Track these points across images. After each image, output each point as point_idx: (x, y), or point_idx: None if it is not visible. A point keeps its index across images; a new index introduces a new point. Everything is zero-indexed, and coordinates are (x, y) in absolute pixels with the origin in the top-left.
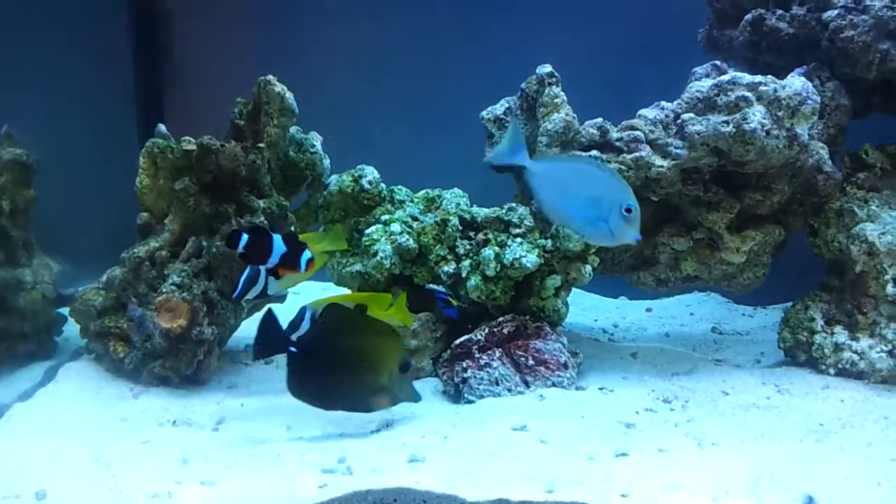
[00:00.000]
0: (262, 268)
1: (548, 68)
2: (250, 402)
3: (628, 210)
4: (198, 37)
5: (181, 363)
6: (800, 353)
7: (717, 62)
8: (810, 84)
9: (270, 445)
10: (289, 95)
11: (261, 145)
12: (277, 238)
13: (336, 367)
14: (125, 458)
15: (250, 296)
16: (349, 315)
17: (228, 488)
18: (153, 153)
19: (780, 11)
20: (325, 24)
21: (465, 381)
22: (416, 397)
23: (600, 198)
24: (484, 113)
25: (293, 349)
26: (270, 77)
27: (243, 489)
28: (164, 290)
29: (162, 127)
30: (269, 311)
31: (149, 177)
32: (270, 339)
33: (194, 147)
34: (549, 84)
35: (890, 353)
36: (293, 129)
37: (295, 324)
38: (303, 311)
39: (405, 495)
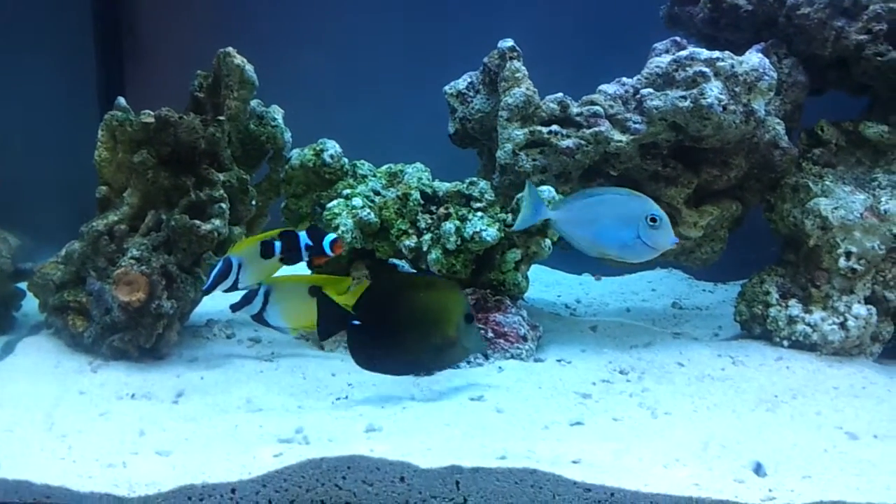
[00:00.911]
0: (235, 261)
1: (509, 42)
2: (210, 375)
3: (653, 219)
4: (160, 10)
5: (140, 337)
6: (755, 326)
7: (678, 38)
8: (767, 60)
9: (229, 417)
10: (248, 68)
11: (221, 118)
12: (302, 234)
13: (402, 330)
14: (81, 430)
15: (221, 289)
16: (402, 277)
17: (184, 458)
18: (112, 126)
19: None
20: (286, 3)
21: None
22: (483, 347)
23: (624, 218)
24: (447, 88)
25: (355, 322)
26: (230, 49)
27: (198, 459)
28: (122, 263)
29: (121, 100)
30: (322, 290)
31: (107, 150)
32: (331, 316)
33: (152, 119)
34: (511, 58)
35: (842, 325)
36: (254, 103)
37: (249, 298)
38: (257, 287)
39: (359, 463)
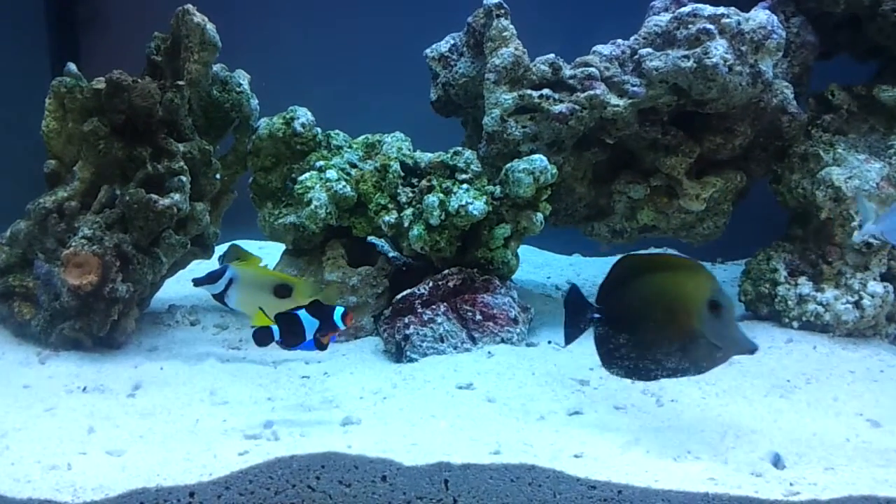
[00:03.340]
0: (229, 273)
1: None
2: (171, 365)
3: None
4: None
5: (93, 324)
6: (762, 306)
7: None
8: (776, 17)
9: (190, 411)
10: (210, 27)
11: (180, 83)
12: (304, 314)
13: (636, 323)
14: (22, 428)
15: (208, 290)
16: (642, 257)
17: (137, 458)
18: (60, 93)
19: None
20: None
21: (407, 338)
22: (748, 345)
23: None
24: (428, 51)
25: (597, 315)
26: (189, 7)
27: (154, 459)
28: (72, 243)
29: (71, 65)
30: (574, 286)
31: (56, 120)
32: (576, 312)
33: (104, 85)
34: (498, 16)
35: (856, 304)
36: (217, 67)
37: (214, 276)
38: (224, 268)
39: (334, 461)
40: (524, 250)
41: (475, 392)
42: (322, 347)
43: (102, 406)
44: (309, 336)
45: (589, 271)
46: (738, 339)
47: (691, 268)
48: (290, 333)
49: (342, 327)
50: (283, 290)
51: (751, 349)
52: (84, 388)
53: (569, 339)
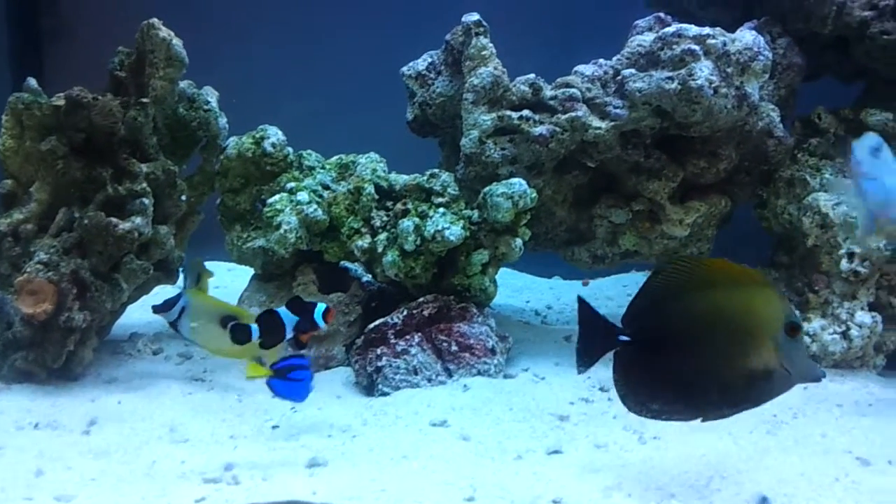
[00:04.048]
0: (182, 301)
1: (475, 16)
2: (130, 398)
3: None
4: None
5: (48, 355)
6: None
7: (661, 14)
8: (762, 38)
9: (147, 450)
10: (176, 42)
11: (144, 100)
12: (283, 311)
13: (689, 350)
14: None
15: (167, 318)
16: (690, 266)
17: None
18: (17, 110)
19: None
20: None
21: (379, 370)
22: (818, 373)
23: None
24: (404, 69)
25: (624, 338)
26: (154, 21)
27: None
28: (27, 269)
29: (31, 81)
30: (582, 300)
31: (13, 138)
32: (594, 332)
33: (63, 102)
34: (477, 34)
35: (844, 334)
36: (184, 84)
37: (169, 304)
38: (178, 296)
39: None
40: (502, 273)
41: (449, 429)
42: (301, 346)
43: (54, 445)
44: (289, 333)
45: (569, 295)
46: (808, 365)
47: (759, 282)
48: (270, 331)
49: (322, 326)
50: (229, 321)
51: (818, 377)
52: (36, 425)
53: (583, 366)
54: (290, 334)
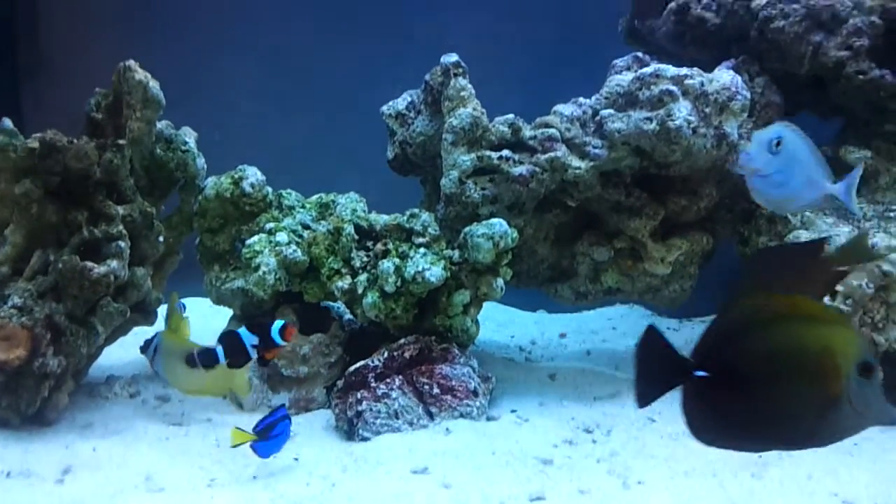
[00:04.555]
0: (155, 339)
1: (454, 57)
2: (105, 445)
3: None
4: (67, 24)
5: (21, 401)
6: None
7: (639, 54)
8: (739, 78)
9: (122, 500)
10: (153, 84)
11: (120, 142)
12: (244, 331)
13: (759, 384)
14: None
15: (147, 357)
16: (763, 300)
17: None
18: None
19: (706, 0)
20: (211, 5)
21: (359, 414)
22: (893, 416)
23: None
24: (384, 108)
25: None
26: (131, 62)
27: None
28: (1, 313)
29: (6, 121)
30: (652, 328)
31: None
32: (660, 365)
33: (37, 144)
34: (456, 75)
35: None
36: (162, 125)
37: (148, 343)
38: (155, 335)
39: None
40: (487, 306)
41: (431, 477)
42: (264, 363)
43: (25, 496)
44: (252, 354)
45: (553, 329)
46: (883, 407)
47: (835, 319)
48: (234, 352)
49: (281, 343)
50: (193, 360)
51: (894, 420)
52: (8, 474)
53: (644, 402)
54: (253, 354)
